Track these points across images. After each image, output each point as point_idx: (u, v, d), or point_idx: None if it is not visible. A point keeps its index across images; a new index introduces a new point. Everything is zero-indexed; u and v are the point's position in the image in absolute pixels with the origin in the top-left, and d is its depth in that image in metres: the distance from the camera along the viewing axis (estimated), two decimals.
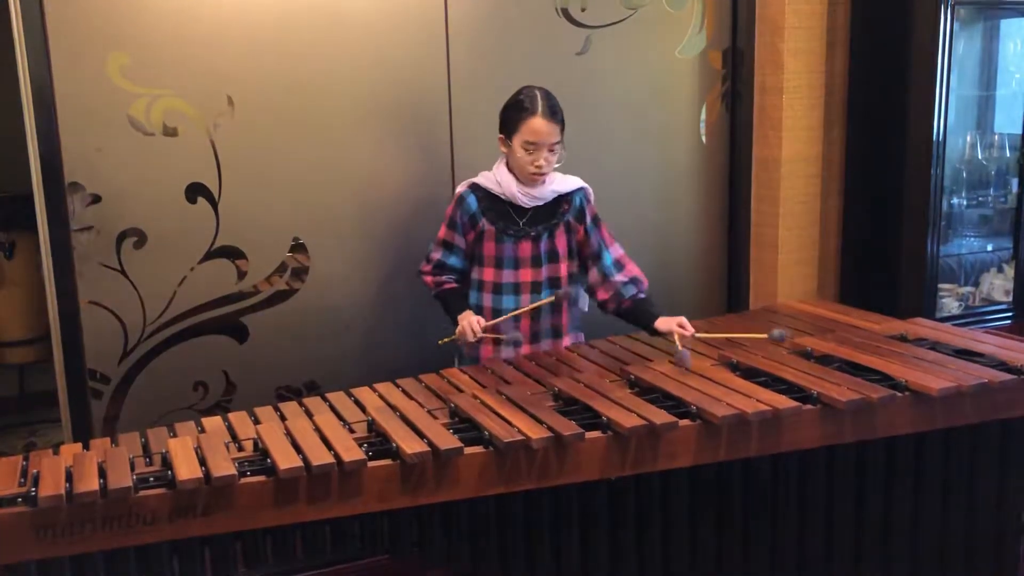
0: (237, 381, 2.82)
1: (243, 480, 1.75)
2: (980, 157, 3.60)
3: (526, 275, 2.59)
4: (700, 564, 2.08)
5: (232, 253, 2.76)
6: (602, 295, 2.64)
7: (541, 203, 2.57)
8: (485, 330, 2.50)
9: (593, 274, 2.65)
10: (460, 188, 2.62)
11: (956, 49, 3.18)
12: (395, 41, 2.84)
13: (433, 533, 1.90)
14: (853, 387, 2.10)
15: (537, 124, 2.45)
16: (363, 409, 2.11)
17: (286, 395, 2.83)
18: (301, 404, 2.19)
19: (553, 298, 2.57)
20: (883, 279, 3.33)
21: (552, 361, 2.47)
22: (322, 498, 1.78)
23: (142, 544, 1.71)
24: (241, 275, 2.77)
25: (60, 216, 2.55)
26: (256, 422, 2.07)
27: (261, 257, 2.79)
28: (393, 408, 2.08)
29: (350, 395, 2.23)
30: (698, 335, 2.52)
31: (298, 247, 2.83)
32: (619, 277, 2.63)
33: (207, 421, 2.10)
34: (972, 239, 3.64)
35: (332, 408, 2.15)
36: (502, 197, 2.55)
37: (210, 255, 2.73)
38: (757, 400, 2.04)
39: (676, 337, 2.46)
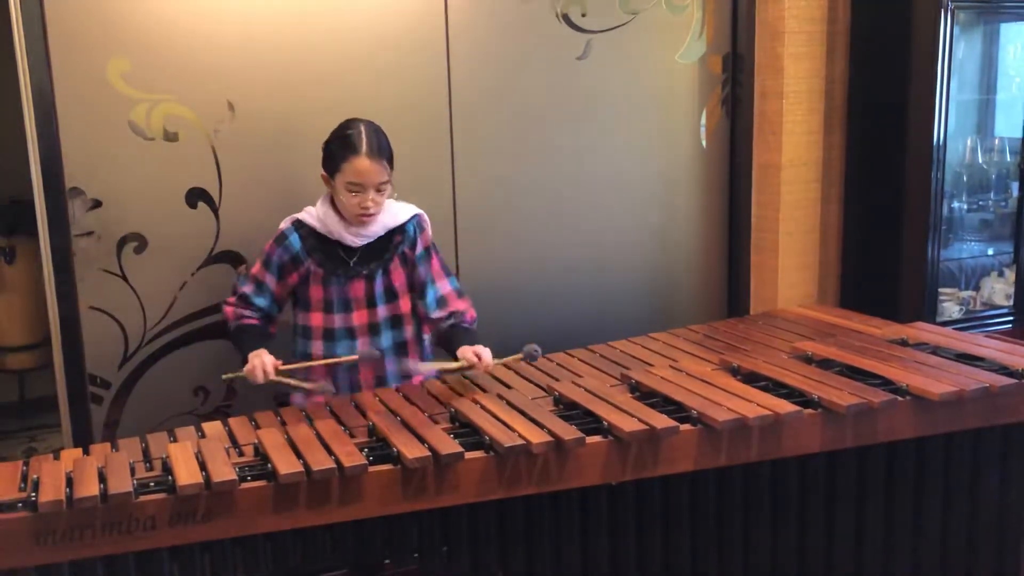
0: (237, 386, 2.82)
1: (243, 485, 1.75)
2: (980, 161, 3.60)
3: (361, 317, 2.38)
4: (701, 569, 2.08)
5: (233, 258, 2.75)
6: (426, 330, 2.49)
7: (371, 240, 2.37)
8: (280, 373, 2.23)
9: (418, 308, 2.46)
10: (283, 224, 2.41)
11: (956, 53, 3.18)
12: (395, 46, 2.84)
13: (434, 538, 1.90)
14: (854, 391, 2.10)
15: (361, 164, 2.25)
16: (363, 414, 2.11)
17: (286, 400, 2.83)
18: (302, 409, 2.19)
19: (357, 357, 2.32)
20: (884, 283, 3.33)
21: (553, 365, 2.46)
22: (322, 503, 1.78)
23: (142, 549, 1.71)
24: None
25: (61, 221, 2.55)
26: (256, 427, 2.07)
27: None
28: (394, 413, 2.08)
29: (351, 400, 2.23)
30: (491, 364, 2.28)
31: None
32: (437, 314, 2.42)
33: (207, 426, 2.10)
34: (973, 243, 3.64)
35: (333, 413, 2.15)
36: (327, 236, 2.35)
37: (211, 260, 2.73)
38: (758, 405, 2.04)
39: (476, 367, 2.25)
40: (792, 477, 2.10)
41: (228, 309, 2.41)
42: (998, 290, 3.58)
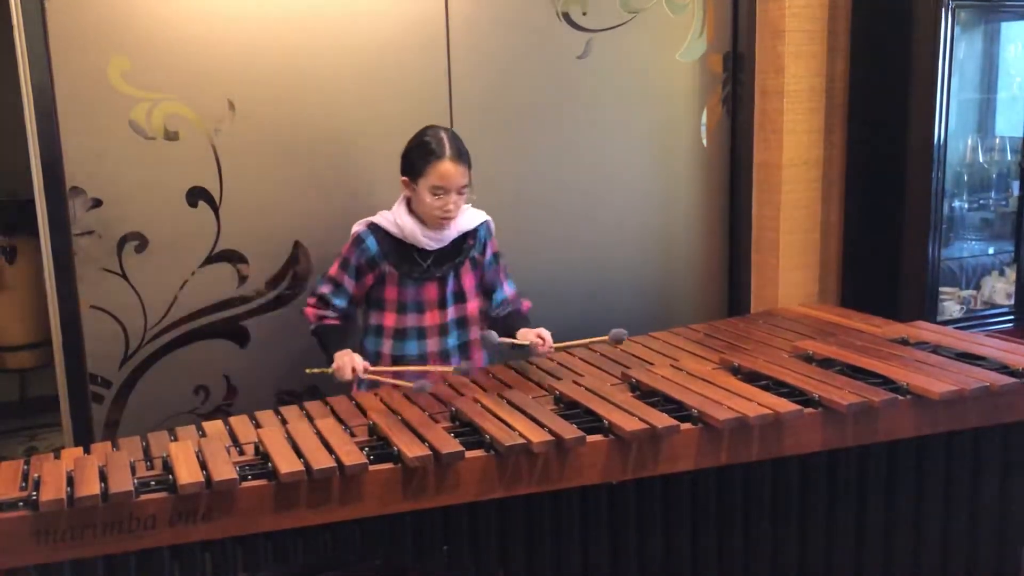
0: (238, 385, 2.82)
1: (244, 484, 1.75)
2: (981, 160, 3.60)
3: (433, 318, 2.47)
4: (701, 568, 2.08)
5: (233, 257, 2.76)
6: (475, 333, 2.57)
7: (445, 244, 2.46)
8: (368, 372, 2.33)
9: (483, 306, 2.58)
10: (358, 227, 2.49)
11: (957, 52, 3.18)
12: (396, 46, 2.85)
13: (434, 537, 1.90)
14: (855, 390, 2.10)
15: (446, 168, 2.33)
16: (364, 413, 2.11)
17: (287, 399, 2.83)
18: (302, 408, 2.19)
19: (452, 370, 2.37)
20: (884, 283, 3.33)
21: (553, 364, 2.46)
22: (323, 502, 1.78)
23: (143, 548, 1.70)
24: (242, 279, 2.77)
25: (61, 220, 2.55)
26: (257, 426, 2.07)
27: (262, 261, 2.79)
28: (394, 412, 2.08)
29: (351, 399, 2.23)
30: (555, 346, 2.43)
31: (299, 251, 2.83)
32: (499, 311, 2.57)
33: (208, 425, 2.10)
34: (973, 242, 3.64)
35: (333, 412, 2.15)
36: (404, 240, 2.43)
37: (211, 259, 2.73)
38: (758, 404, 2.04)
39: (537, 348, 2.39)
40: (793, 476, 2.10)
41: (309, 310, 2.48)
42: (999, 289, 3.58)
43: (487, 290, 2.57)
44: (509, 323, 2.52)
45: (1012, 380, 2.17)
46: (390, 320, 2.47)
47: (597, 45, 3.11)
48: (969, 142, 3.59)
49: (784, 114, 3.21)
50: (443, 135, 2.39)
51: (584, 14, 3.07)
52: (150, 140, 2.62)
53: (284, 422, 2.08)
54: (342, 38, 2.78)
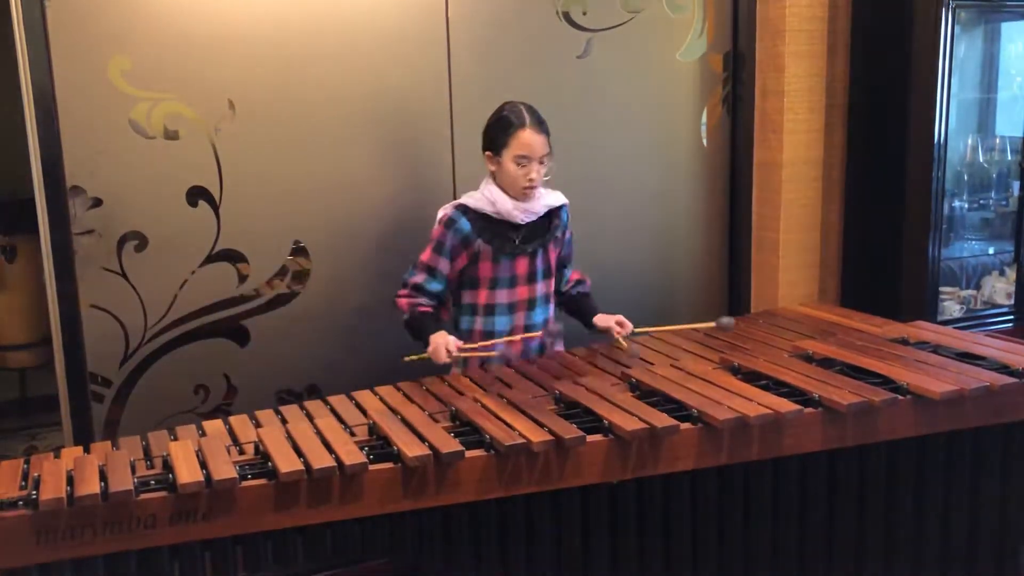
0: (238, 384, 2.82)
1: (244, 483, 1.75)
2: (981, 160, 3.60)
3: (522, 292, 2.55)
4: (701, 568, 2.08)
5: (233, 256, 2.76)
6: (553, 298, 2.68)
7: (535, 218, 2.53)
8: (462, 350, 2.41)
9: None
10: (446, 211, 2.53)
11: (957, 52, 3.18)
12: (396, 45, 2.84)
13: (434, 537, 1.90)
14: (855, 390, 2.10)
15: (528, 137, 2.42)
16: (364, 412, 2.11)
17: (287, 398, 2.83)
18: (302, 407, 2.19)
19: (540, 333, 2.56)
20: (884, 282, 3.33)
21: (553, 364, 2.46)
22: (323, 502, 1.78)
23: (143, 548, 1.71)
24: (242, 278, 2.77)
25: (61, 220, 2.55)
26: (257, 425, 2.07)
27: (262, 260, 2.79)
28: (394, 411, 2.08)
29: (351, 398, 2.23)
30: (637, 329, 2.56)
31: (299, 250, 2.83)
32: (569, 289, 2.70)
33: (208, 424, 2.10)
34: (973, 242, 3.64)
35: (333, 411, 2.15)
36: (495, 216, 2.49)
37: (211, 258, 2.73)
38: (758, 403, 2.04)
39: (615, 334, 2.54)
40: (793, 476, 2.10)
41: (402, 301, 2.51)
42: (999, 289, 3.58)
43: (559, 267, 2.67)
44: (581, 304, 2.66)
45: (1012, 380, 2.17)
46: (483, 297, 2.53)
47: (597, 45, 3.11)
48: (969, 142, 3.59)
49: (784, 114, 3.21)
50: (521, 107, 2.46)
51: (584, 14, 3.07)
52: (150, 139, 2.62)
53: (284, 421, 2.08)
54: (342, 38, 2.78)
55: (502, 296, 2.54)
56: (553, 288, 2.64)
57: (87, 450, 1.94)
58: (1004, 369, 2.24)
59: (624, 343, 2.54)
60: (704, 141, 3.35)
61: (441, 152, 2.96)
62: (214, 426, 2.09)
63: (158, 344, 2.71)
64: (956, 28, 3.09)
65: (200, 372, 2.77)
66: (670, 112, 3.27)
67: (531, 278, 2.56)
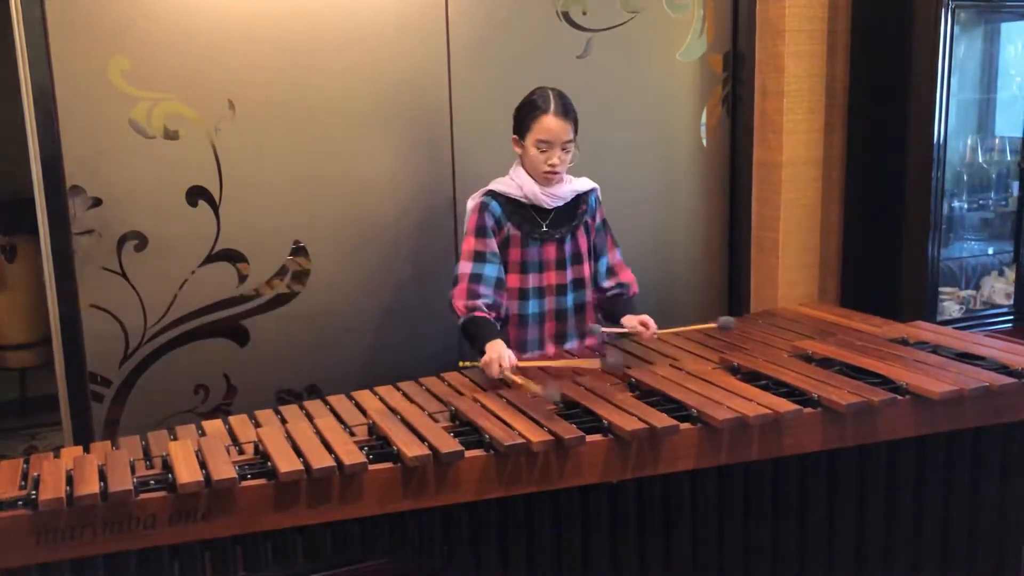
0: (238, 384, 2.82)
1: (244, 483, 1.75)
2: (981, 160, 3.61)
3: (551, 278, 2.57)
4: (701, 568, 2.08)
5: (233, 256, 2.76)
6: (589, 295, 2.66)
7: (562, 203, 2.55)
8: (515, 371, 2.27)
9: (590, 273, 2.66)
10: (477, 198, 2.55)
11: (957, 52, 3.18)
12: (396, 45, 2.85)
13: (434, 537, 1.90)
14: (854, 390, 2.10)
15: (549, 122, 2.43)
16: (364, 412, 2.11)
17: (287, 398, 2.83)
18: (302, 407, 2.19)
19: (599, 362, 2.39)
20: (884, 282, 3.33)
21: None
22: (323, 502, 1.78)
23: (142, 548, 1.70)
24: (242, 278, 2.77)
25: (61, 219, 2.55)
26: (257, 425, 2.07)
27: (262, 260, 2.79)
28: (394, 411, 2.08)
29: (351, 398, 2.23)
30: (658, 332, 2.54)
31: (299, 250, 2.83)
32: (607, 283, 2.66)
33: (208, 424, 2.10)
34: (973, 242, 3.64)
35: (333, 411, 2.15)
36: (523, 200, 2.52)
37: (211, 258, 2.73)
38: (758, 404, 2.04)
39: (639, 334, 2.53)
40: (792, 476, 2.10)
41: (459, 304, 2.43)
42: (998, 289, 3.58)
43: (595, 255, 2.66)
44: (615, 306, 2.64)
45: (1011, 380, 2.17)
46: (514, 281, 2.54)
47: (597, 45, 3.11)
48: (969, 142, 3.59)
49: (784, 114, 3.21)
50: (550, 92, 2.47)
51: (584, 14, 3.07)
52: (150, 139, 2.62)
53: (284, 421, 2.08)
54: (342, 38, 2.78)
55: (532, 280, 2.55)
56: (588, 274, 2.63)
57: (87, 450, 1.94)
58: (1003, 369, 2.24)
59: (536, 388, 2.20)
60: (704, 141, 3.35)
61: (441, 152, 2.96)
62: (214, 426, 2.09)
63: (158, 344, 2.71)
64: (956, 28, 3.09)
65: (200, 372, 2.77)
66: (670, 112, 3.27)
67: (560, 264, 2.57)
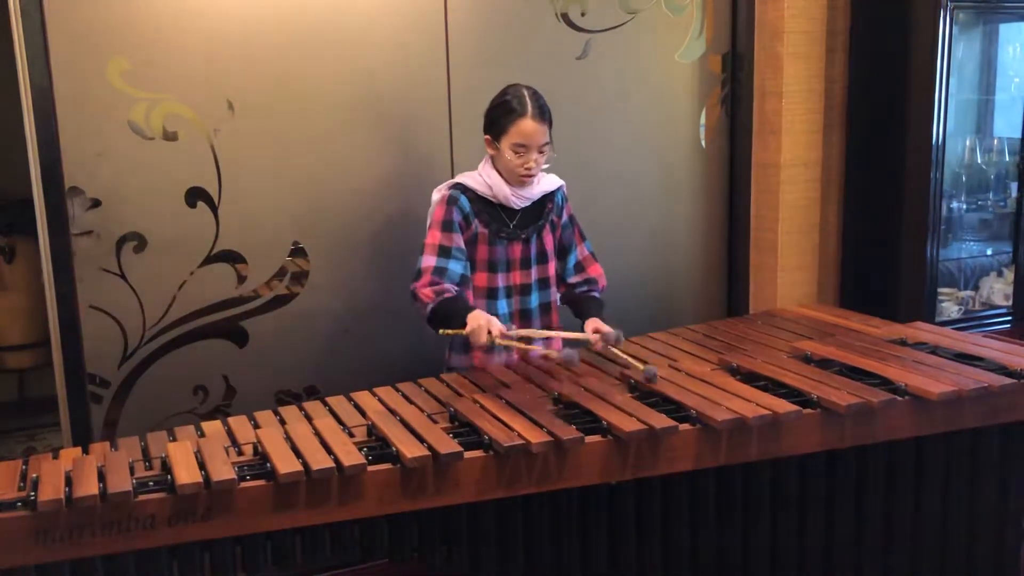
0: (237, 385, 2.82)
1: (243, 484, 1.75)
2: (979, 161, 3.61)
3: (516, 277, 2.54)
4: (701, 568, 2.08)
5: (232, 257, 2.76)
6: (554, 294, 2.62)
7: (529, 203, 2.51)
8: (504, 337, 2.25)
9: (557, 271, 2.62)
10: (443, 190, 2.49)
11: (955, 53, 3.18)
12: (395, 46, 2.85)
13: (433, 537, 1.90)
14: (853, 391, 2.10)
15: (526, 126, 2.37)
16: (363, 413, 2.11)
17: (286, 399, 2.83)
18: (301, 408, 2.19)
19: (585, 337, 2.39)
20: (883, 283, 3.33)
21: (552, 365, 2.46)
22: (322, 503, 1.78)
23: (141, 549, 1.70)
24: (241, 279, 2.77)
25: (60, 221, 2.55)
26: (256, 426, 2.07)
27: (261, 261, 2.79)
28: (393, 412, 2.08)
29: (350, 399, 2.23)
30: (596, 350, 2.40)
31: (298, 251, 2.83)
32: (574, 279, 2.62)
33: (207, 425, 2.10)
34: (972, 243, 3.64)
35: (332, 412, 2.15)
36: (491, 199, 2.47)
37: (210, 259, 2.73)
38: (757, 404, 2.04)
39: (596, 345, 2.38)
40: (791, 477, 2.10)
41: (425, 291, 2.36)
42: (997, 290, 3.59)
43: (562, 252, 2.62)
44: (582, 304, 2.58)
45: (1010, 381, 2.17)
46: (481, 280, 2.51)
47: (596, 46, 3.11)
48: (968, 143, 3.59)
49: (783, 115, 3.22)
50: (524, 92, 2.41)
51: (583, 15, 3.07)
52: (149, 140, 2.62)
53: (283, 422, 2.08)
54: (341, 41, 2.78)
55: (500, 280, 2.52)
56: (552, 273, 2.59)
57: (86, 451, 1.94)
58: (1002, 370, 2.24)
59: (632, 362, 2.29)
60: (703, 142, 3.35)
61: (440, 154, 2.96)
62: (213, 427, 2.09)
63: (157, 345, 2.71)
64: (954, 29, 3.09)
65: (199, 373, 2.77)
66: (669, 113, 3.28)
67: (525, 263, 2.53)
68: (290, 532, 1.80)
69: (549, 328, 2.58)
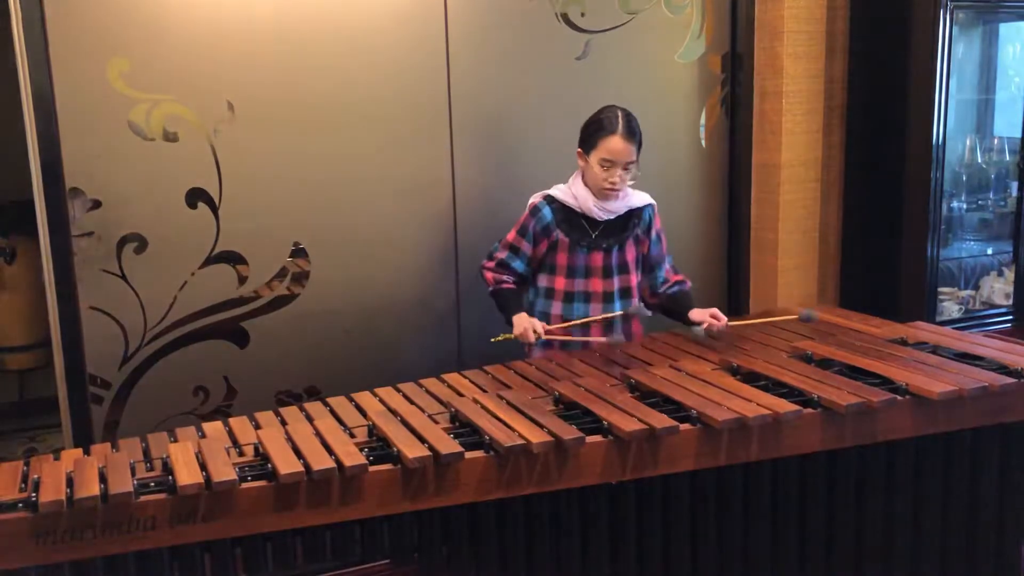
0: (238, 386, 2.82)
1: (244, 485, 1.75)
2: (980, 161, 3.61)
3: (596, 285, 2.67)
4: (701, 568, 2.08)
5: (232, 258, 2.76)
6: (650, 299, 2.78)
7: (614, 216, 2.64)
8: (548, 332, 2.56)
9: (644, 282, 2.76)
10: (535, 199, 2.68)
11: (955, 53, 3.19)
12: (395, 47, 2.85)
13: (433, 537, 1.90)
14: (853, 391, 2.10)
15: (615, 143, 2.52)
16: (364, 414, 2.11)
17: (287, 400, 2.84)
18: (302, 409, 2.19)
19: (623, 312, 2.67)
20: (883, 283, 3.33)
21: (552, 365, 2.47)
22: (323, 503, 1.78)
23: (143, 550, 1.71)
24: (242, 280, 2.78)
25: (61, 221, 2.55)
26: (257, 427, 2.07)
27: (261, 262, 2.79)
28: (394, 413, 2.08)
29: (351, 400, 2.23)
30: (731, 323, 2.62)
31: (298, 252, 2.83)
32: (663, 289, 2.76)
33: (208, 426, 2.10)
34: (972, 243, 3.65)
35: (333, 413, 2.15)
36: (577, 210, 2.62)
37: (211, 260, 2.74)
38: (757, 404, 2.04)
39: (706, 327, 2.59)
40: (792, 476, 2.10)
41: (488, 274, 2.69)
42: (997, 289, 3.59)
43: (651, 266, 2.75)
44: (676, 301, 2.74)
45: (1011, 380, 2.17)
46: (560, 283, 2.67)
47: (596, 46, 3.11)
48: (968, 142, 3.59)
49: (783, 115, 3.22)
50: (619, 113, 2.57)
51: (583, 15, 3.08)
52: (149, 141, 2.62)
53: (284, 423, 2.08)
54: (341, 40, 2.78)
55: (579, 285, 2.66)
56: (634, 283, 2.71)
57: (87, 452, 1.94)
58: (1003, 369, 2.24)
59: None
60: (703, 142, 3.35)
61: (440, 155, 2.96)
62: (214, 428, 2.09)
63: (158, 346, 2.72)
64: (954, 29, 3.10)
65: (200, 374, 2.77)
66: (669, 113, 3.28)
67: (606, 272, 2.67)
68: (291, 533, 1.80)
69: (630, 334, 2.73)
